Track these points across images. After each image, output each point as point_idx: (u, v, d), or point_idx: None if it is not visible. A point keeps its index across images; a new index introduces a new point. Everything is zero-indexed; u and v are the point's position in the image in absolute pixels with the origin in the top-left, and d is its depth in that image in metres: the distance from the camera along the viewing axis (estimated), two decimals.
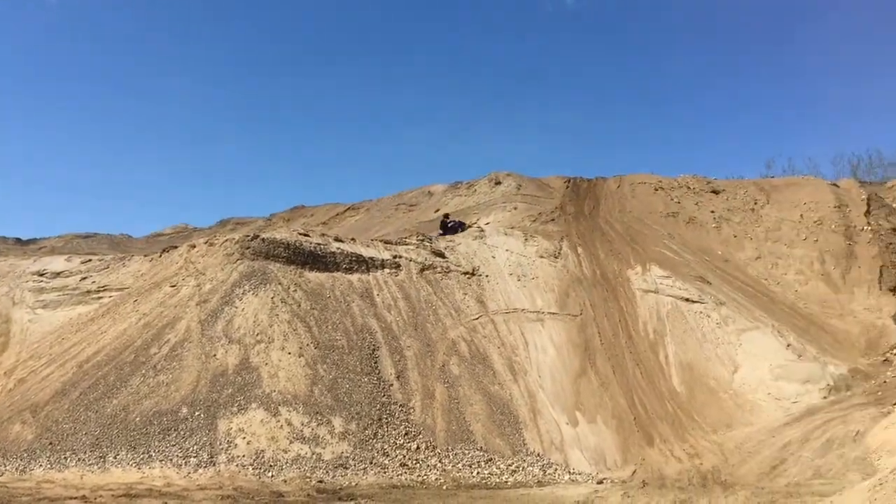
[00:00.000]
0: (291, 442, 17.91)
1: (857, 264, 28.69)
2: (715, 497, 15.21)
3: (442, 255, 27.39)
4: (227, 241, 25.38)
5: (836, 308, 26.81)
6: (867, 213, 31.04)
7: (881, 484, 9.88)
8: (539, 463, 19.65)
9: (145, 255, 31.25)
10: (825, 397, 22.08)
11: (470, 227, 32.71)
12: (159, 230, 54.50)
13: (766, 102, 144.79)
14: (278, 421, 18.34)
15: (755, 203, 32.92)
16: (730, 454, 19.50)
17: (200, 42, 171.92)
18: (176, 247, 30.26)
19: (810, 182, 34.28)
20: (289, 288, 23.05)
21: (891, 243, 29.81)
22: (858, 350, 24.58)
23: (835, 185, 33.82)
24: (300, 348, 20.92)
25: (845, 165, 64.63)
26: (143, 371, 20.07)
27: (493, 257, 28.40)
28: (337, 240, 26.58)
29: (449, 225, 33.19)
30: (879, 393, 21.39)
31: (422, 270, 26.25)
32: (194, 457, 17.09)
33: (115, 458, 17.06)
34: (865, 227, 30.22)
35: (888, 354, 24.36)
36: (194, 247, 26.58)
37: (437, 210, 38.47)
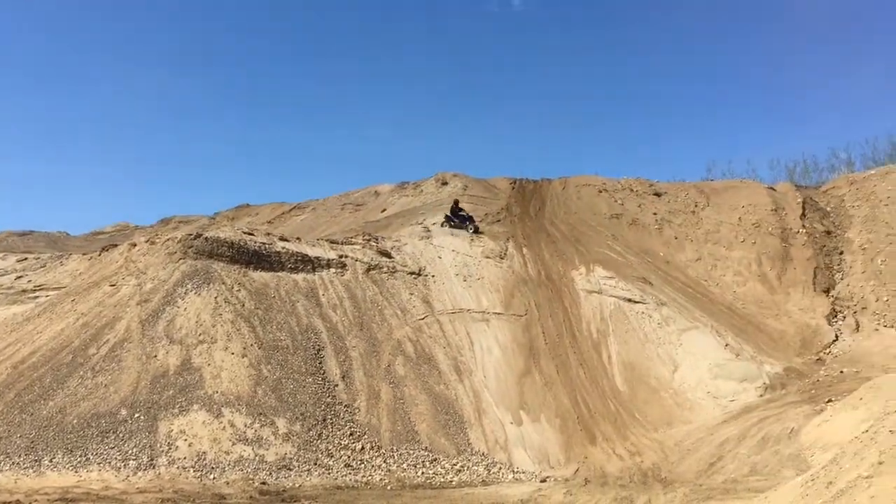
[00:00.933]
0: (234, 443, 17.69)
1: (792, 266, 29.53)
2: (655, 494, 15.49)
3: (388, 255, 27.35)
4: (169, 239, 24.92)
5: (773, 308, 27.55)
6: (802, 216, 31.97)
7: (813, 479, 10.19)
8: (483, 462, 19.76)
9: (84, 254, 30.54)
10: (761, 395, 22.68)
11: (477, 227, 31.99)
12: (99, 228, 53.22)
13: (708, 106, 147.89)
14: (221, 422, 18.09)
15: (696, 206, 33.65)
16: (670, 452, 19.90)
17: (144, 34, 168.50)
18: (116, 245, 29.62)
19: (748, 185, 35.16)
20: (232, 287, 22.75)
21: (824, 246, 30.77)
22: (793, 349, 25.30)
23: (772, 188, 34.73)
24: (244, 349, 20.66)
25: (782, 169, 66.34)
26: (81, 372, 19.59)
27: (440, 257, 28.46)
28: (282, 239, 26.32)
29: (459, 213, 32.46)
30: (813, 391, 22.05)
31: (368, 270, 26.16)
32: (133, 459, 16.75)
33: (50, 461, 16.61)
34: (800, 230, 31.13)
35: (821, 354, 25.13)
36: (135, 245, 26.04)
37: (383, 210, 38.39)
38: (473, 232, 31.17)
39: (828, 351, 25.33)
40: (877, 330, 26.36)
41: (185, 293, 22.24)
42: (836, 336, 26.09)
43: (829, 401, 20.22)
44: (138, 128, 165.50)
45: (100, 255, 28.62)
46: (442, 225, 32.22)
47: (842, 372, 23.32)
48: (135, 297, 22.31)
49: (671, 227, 32.44)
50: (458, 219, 31.98)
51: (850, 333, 26.29)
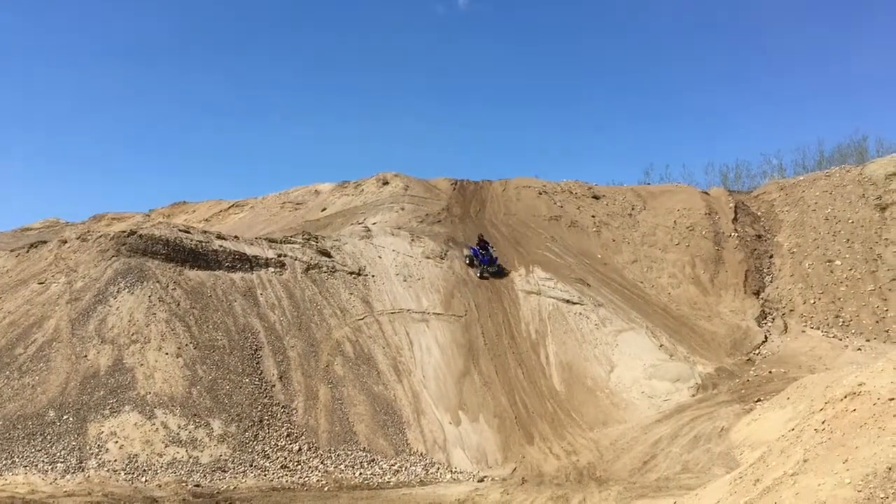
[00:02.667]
0: (167, 445, 17.34)
1: (724, 269, 30.32)
2: (590, 492, 15.72)
3: (328, 255, 27.14)
4: (101, 236, 24.30)
5: (705, 310, 28.23)
6: (734, 220, 32.85)
7: (741, 477, 10.47)
8: (422, 462, 19.78)
9: (11, 251, 29.52)
10: (693, 395, 23.21)
11: (501, 269, 29.27)
12: (27, 224, 51.56)
13: (646, 110, 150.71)
14: (153, 424, 17.71)
15: (633, 209, 34.26)
16: (605, 451, 20.22)
17: (74, 29, 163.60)
18: (45, 242, 28.74)
19: (683, 190, 35.97)
20: (167, 286, 22.29)
21: (755, 249, 31.66)
22: (725, 350, 25.96)
23: (706, 193, 35.61)
24: (178, 348, 20.27)
25: (716, 174, 68.03)
26: (7, 373, 18.96)
27: (380, 257, 28.37)
28: (220, 237, 25.89)
29: (486, 247, 29.48)
30: (743, 391, 22.67)
31: (307, 270, 25.92)
32: (62, 462, 16.29)
33: None
34: (733, 234, 31.97)
35: (751, 354, 25.85)
36: (66, 242, 25.31)
37: (324, 209, 38.08)
38: (493, 274, 28.79)
39: (757, 352, 26.06)
40: (803, 331, 27.24)
41: (117, 291, 21.70)
42: (766, 337, 26.87)
43: (758, 400, 20.82)
44: (67, 122, 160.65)
45: (28, 251, 27.75)
46: (467, 261, 29.52)
47: (770, 372, 24.01)
48: (65, 296, 21.68)
49: (609, 230, 32.97)
50: (483, 256, 28.93)
51: (779, 335, 27.11)
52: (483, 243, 29.46)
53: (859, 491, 8.06)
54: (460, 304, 26.73)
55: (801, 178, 36.62)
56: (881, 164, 33.53)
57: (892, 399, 9.33)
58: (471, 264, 29.14)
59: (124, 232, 24.07)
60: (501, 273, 28.86)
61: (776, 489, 9.07)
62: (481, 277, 28.27)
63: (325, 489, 17.29)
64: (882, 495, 7.82)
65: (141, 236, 23.61)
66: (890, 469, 8.08)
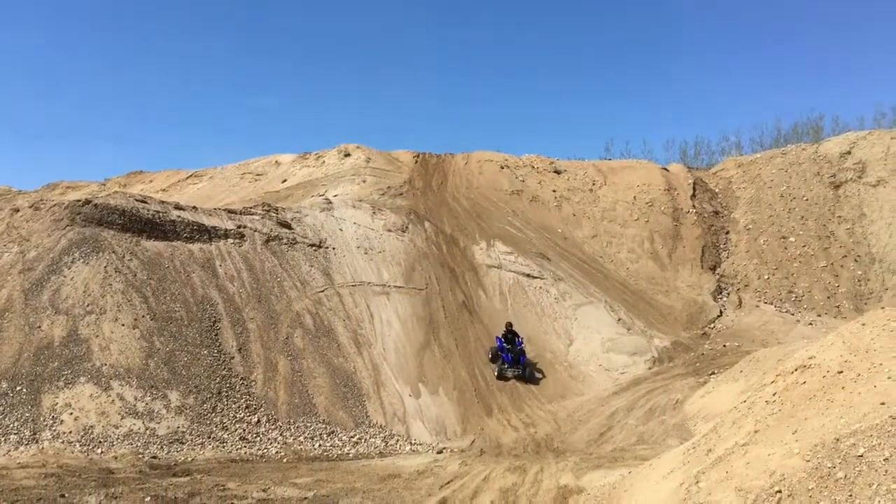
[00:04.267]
0: (123, 417, 17.15)
1: (682, 244, 30.76)
2: (547, 463, 15.92)
3: (288, 227, 26.91)
4: (55, 205, 23.74)
5: (663, 285, 28.65)
6: (693, 196, 33.28)
7: (694, 447, 10.70)
8: (381, 434, 19.85)
9: None
10: (650, 368, 23.63)
11: (529, 366, 23.48)
12: None
13: (608, 87, 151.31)
14: (109, 395, 17.49)
15: (593, 184, 34.50)
16: (562, 423, 20.52)
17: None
18: None
19: (643, 166, 36.30)
20: (123, 257, 21.92)
21: (712, 225, 32.15)
22: (681, 324, 26.42)
23: (665, 169, 36.00)
24: (135, 320, 19.99)
25: (676, 150, 68.83)
26: None
27: (341, 230, 28.22)
28: (177, 207, 25.47)
29: (518, 339, 23.42)
30: (698, 364, 23.13)
31: (267, 241, 25.68)
32: (15, 434, 16.03)
33: None
34: (691, 210, 32.41)
35: (706, 329, 26.35)
36: (18, 211, 24.67)
37: (284, 181, 37.70)
38: (518, 377, 23.02)
39: (712, 326, 26.58)
40: (757, 306, 27.82)
41: (72, 262, 21.28)
42: (721, 312, 27.40)
43: (712, 373, 21.26)
44: (18, 87, 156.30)
45: None
46: (489, 356, 23.81)
47: (724, 346, 24.52)
48: (17, 266, 21.21)
49: (570, 205, 33.18)
50: (507, 352, 23.23)
51: (734, 309, 27.65)
52: (511, 333, 23.69)
53: (808, 461, 8.29)
54: (421, 278, 26.74)
55: (759, 155, 37.20)
56: (836, 142, 34.18)
57: (840, 372, 9.58)
58: (493, 359, 23.50)
59: (79, 201, 23.55)
60: (531, 378, 23.11)
61: (727, 459, 9.29)
62: (499, 378, 22.79)
63: (285, 460, 17.28)
64: (829, 465, 8.05)
65: (96, 206, 23.13)
66: (837, 440, 8.31)
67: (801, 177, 32.85)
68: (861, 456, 7.92)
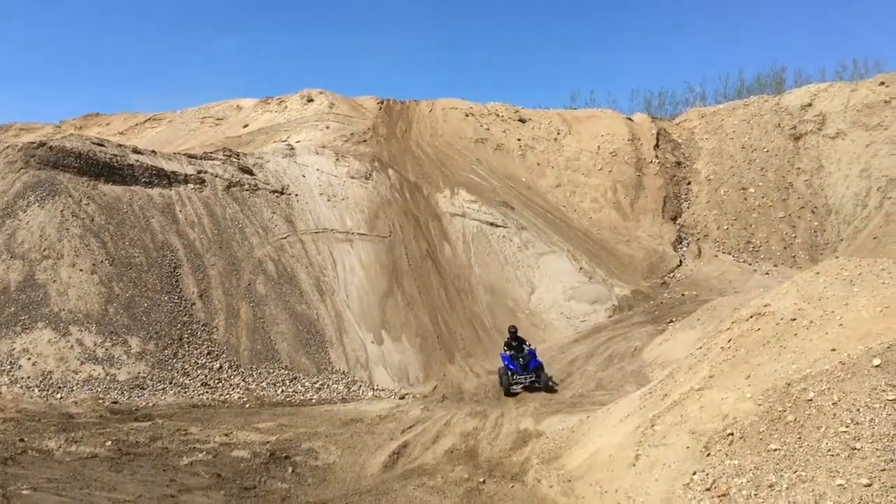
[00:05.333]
0: (83, 363, 17.00)
1: (644, 194, 31.01)
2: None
3: (250, 173, 26.54)
4: (8, 147, 23.10)
5: (625, 234, 28.94)
6: (656, 146, 33.44)
7: (651, 392, 10.94)
8: (344, 380, 19.97)
9: None
10: (610, 316, 23.99)
11: (542, 375, 18.89)
12: None
13: (574, 35, 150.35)
14: (68, 341, 17.30)
15: (558, 133, 34.46)
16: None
17: None
18: None
19: (608, 115, 36.30)
20: (80, 201, 21.47)
21: (674, 176, 32.41)
22: (641, 273, 26.77)
23: (630, 119, 36.05)
24: (93, 265, 19.69)
25: (640, 101, 68.88)
26: None
27: (304, 176, 27.91)
28: (136, 151, 24.94)
29: (526, 344, 19.72)
30: (657, 312, 23.53)
31: (228, 187, 25.33)
32: None
33: None
34: (653, 160, 32.60)
35: (666, 278, 26.74)
36: None
37: (245, 126, 37.07)
38: (528, 388, 18.76)
39: (672, 275, 26.99)
40: (716, 256, 28.27)
41: (27, 205, 20.81)
42: (680, 261, 27.80)
43: (671, 321, 21.66)
44: None
45: None
46: (499, 383, 19.52)
47: (683, 295, 24.93)
48: None
49: (534, 154, 33.16)
50: (516, 359, 19.36)
51: (693, 259, 28.07)
52: (515, 340, 20.06)
53: (759, 405, 8.53)
54: (385, 225, 26.66)
55: (722, 106, 37.41)
56: (797, 94, 34.47)
57: (794, 319, 9.81)
58: (501, 381, 19.30)
59: (33, 143, 22.93)
60: (547, 386, 18.69)
61: (682, 403, 9.51)
62: (508, 394, 18.56)
63: (247, 406, 17.32)
64: (780, 408, 8.29)
65: (51, 148, 22.55)
66: (789, 384, 8.55)
67: (763, 128, 33.15)
68: (811, 400, 8.16)
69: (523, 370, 19.02)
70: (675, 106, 48.05)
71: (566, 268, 26.13)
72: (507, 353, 19.74)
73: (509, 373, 19.08)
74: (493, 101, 37.68)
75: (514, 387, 18.73)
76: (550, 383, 18.89)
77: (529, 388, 18.71)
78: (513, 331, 20.38)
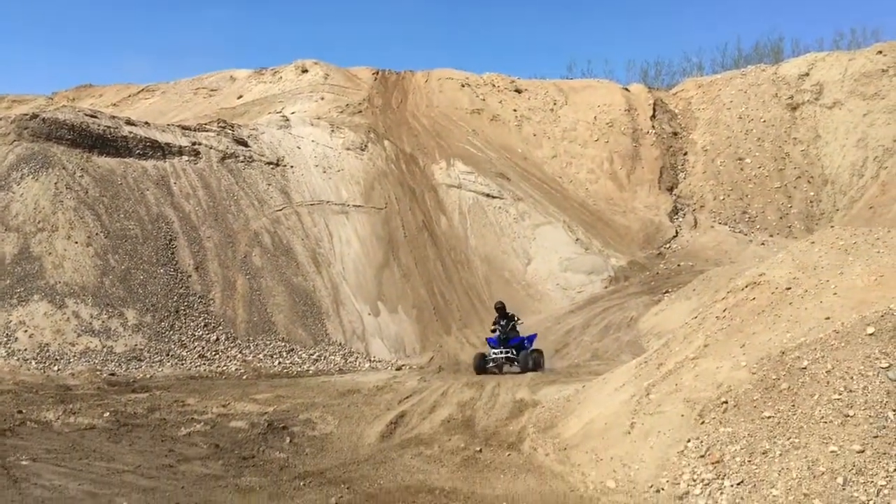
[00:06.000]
0: (79, 335, 17.03)
1: (640, 165, 30.94)
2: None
3: (245, 144, 26.40)
4: (1, 119, 22.95)
5: (621, 205, 28.93)
6: (653, 117, 33.32)
7: (646, 362, 10.99)
8: (341, 352, 20.05)
9: None
10: (606, 287, 24.06)
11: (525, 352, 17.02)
12: None
13: (570, 5, 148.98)
14: (64, 313, 17.31)
15: (555, 104, 34.28)
16: None
17: None
18: None
19: (605, 86, 36.10)
20: (74, 173, 21.36)
21: (671, 146, 32.32)
22: (637, 244, 26.81)
23: (626, 89, 35.84)
24: (88, 237, 19.65)
25: (637, 71, 68.48)
26: None
27: (299, 148, 27.78)
28: (129, 123, 24.77)
29: (515, 319, 17.76)
30: (652, 283, 23.59)
31: (223, 159, 25.20)
32: None
33: None
34: (650, 131, 32.48)
35: (662, 248, 26.79)
36: None
37: (240, 97, 36.83)
38: (505, 360, 17.16)
39: (668, 246, 27.03)
40: (712, 227, 28.30)
41: (20, 178, 20.70)
42: (676, 232, 27.84)
43: (666, 292, 21.73)
44: None
45: None
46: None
47: (679, 265, 25.00)
48: None
49: (530, 124, 33.01)
50: (502, 329, 17.63)
51: (689, 230, 28.09)
52: (503, 317, 17.84)
53: (754, 373, 8.57)
54: (380, 197, 26.60)
55: (719, 76, 37.20)
56: (795, 63, 34.29)
57: (788, 288, 9.84)
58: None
59: (26, 115, 22.76)
60: (528, 364, 16.65)
61: (677, 372, 9.56)
62: (479, 371, 16.78)
63: (244, 378, 17.39)
64: (774, 377, 8.33)
65: (44, 120, 22.38)
66: (783, 353, 8.59)
67: (760, 98, 33.00)
68: (805, 368, 8.21)
69: (500, 344, 17.18)
70: (671, 76, 47.72)
71: (562, 239, 26.14)
72: (492, 334, 17.80)
73: (489, 347, 17.48)
74: (489, 71, 37.47)
75: (487, 362, 16.81)
76: (531, 363, 16.54)
77: (501, 368, 16.88)
78: (499, 307, 18.01)
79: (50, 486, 8.33)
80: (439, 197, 27.61)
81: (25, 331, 16.64)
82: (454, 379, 16.85)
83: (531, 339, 18.04)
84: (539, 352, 17.67)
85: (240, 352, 18.89)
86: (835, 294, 9.35)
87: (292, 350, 19.57)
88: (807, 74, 32.90)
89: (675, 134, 33.14)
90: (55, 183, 20.69)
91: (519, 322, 18.16)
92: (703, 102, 34.55)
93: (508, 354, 17.01)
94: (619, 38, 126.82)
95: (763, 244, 26.92)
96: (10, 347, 16.16)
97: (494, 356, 17.06)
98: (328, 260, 23.22)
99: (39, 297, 17.53)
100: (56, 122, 22.41)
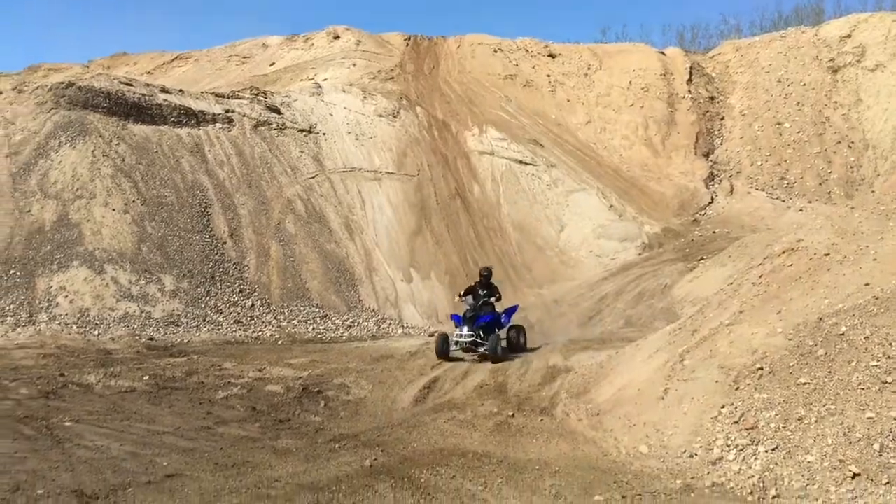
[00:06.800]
0: (119, 300, 17.35)
1: (676, 130, 30.44)
2: (537, 346, 16.27)
3: (277, 111, 26.46)
4: (38, 87, 23.22)
5: (656, 171, 28.55)
6: (689, 81, 32.69)
7: (680, 328, 10.92)
8: (374, 318, 20.21)
9: None
10: (640, 254, 23.86)
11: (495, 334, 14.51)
12: None
13: None
14: (103, 279, 17.63)
15: (589, 68, 33.78)
16: (552, 307, 20.85)
17: None
18: None
19: (640, 49, 35.46)
20: (111, 141, 21.62)
21: (707, 111, 31.75)
22: (672, 211, 26.48)
23: (662, 53, 35.18)
24: (125, 204, 19.92)
25: (673, 34, 67.28)
26: None
27: (331, 115, 27.78)
28: (164, 91, 24.95)
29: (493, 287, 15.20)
30: (687, 250, 23.33)
31: (256, 126, 25.31)
32: (11, 316, 16.24)
33: None
34: (686, 95, 31.90)
35: (697, 215, 26.45)
36: (1, 93, 24.17)
37: (272, 64, 36.83)
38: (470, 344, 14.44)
39: (703, 212, 26.68)
40: (749, 193, 27.83)
41: (58, 146, 21.00)
42: (712, 198, 27.44)
43: (701, 259, 21.48)
44: None
45: None
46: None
47: (714, 232, 24.67)
48: (3, 149, 20.93)
49: (564, 90, 32.60)
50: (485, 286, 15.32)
51: (725, 196, 27.67)
52: (485, 287, 15.36)
53: (790, 339, 8.49)
54: (413, 164, 26.56)
55: (757, 38, 36.33)
56: (836, 25, 33.36)
57: (827, 254, 9.68)
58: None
59: (63, 83, 23.02)
60: (494, 354, 14.02)
61: (712, 338, 9.50)
62: (439, 356, 14.33)
63: (279, 343, 17.62)
64: (811, 343, 8.24)
65: (80, 88, 22.62)
66: (820, 319, 8.49)
67: (800, 61, 32.21)
68: (842, 334, 8.11)
69: (466, 324, 14.53)
70: (708, 39, 46.85)
71: (596, 205, 25.93)
72: (465, 303, 15.08)
73: (455, 326, 14.93)
74: (522, 36, 36.98)
75: (451, 345, 14.34)
76: (500, 350, 14.15)
77: (469, 350, 14.41)
78: (485, 274, 15.46)
79: (93, 447, 8.54)
80: (472, 164, 27.49)
81: (66, 296, 16.98)
82: None
83: (510, 312, 15.68)
84: (519, 328, 15.50)
85: (274, 318, 19.12)
86: (874, 260, 9.19)
87: (326, 316, 19.77)
88: (848, 36, 31.99)
89: (712, 98, 32.52)
90: (92, 151, 20.96)
91: (497, 298, 15.31)
92: (741, 66, 33.81)
93: (474, 338, 14.28)
94: (654, 1, 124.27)
95: (801, 210, 26.43)
96: (51, 312, 16.52)
97: (458, 338, 14.39)
98: (361, 227, 23.31)
99: (79, 263, 17.85)
100: (92, 91, 22.64)
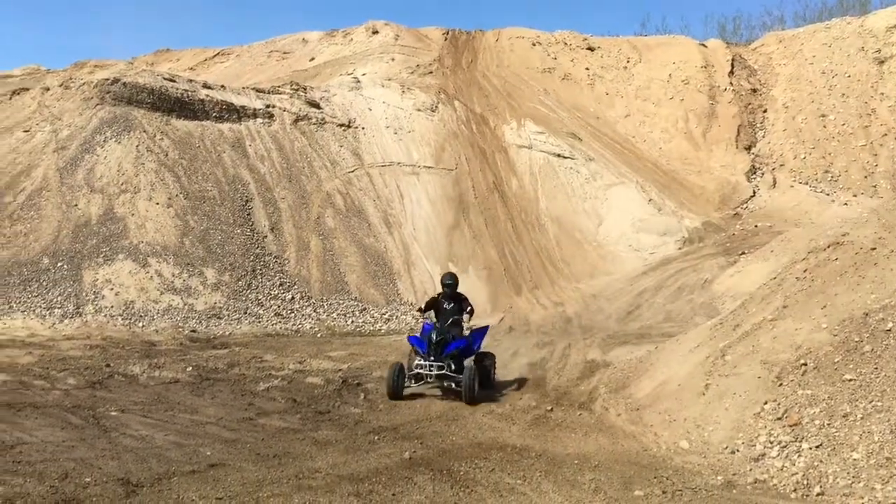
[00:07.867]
0: (162, 293, 17.67)
1: (717, 123, 30.00)
2: (575, 339, 16.23)
3: (317, 106, 26.66)
4: (84, 84, 23.68)
5: (696, 165, 28.18)
6: (731, 73, 32.20)
7: (722, 323, 10.81)
8: (412, 311, 20.26)
9: None
10: (680, 248, 23.58)
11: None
12: (7, 71, 50.09)
13: None
14: (147, 272, 17.96)
15: (628, 61, 33.45)
16: (591, 301, 20.74)
17: None
18: (27, 89, 28.06)
19: (680, 42, 35.02)
20: (154, 136, 21.99)
21: (749, 104, 31.25)
22: (712, 205, 26.13)
23: (703, 45, 34.67)
24: (169, 199, 20.26)
25: (714, 26, 66.31)
26: None
27: (370, 109, 27.91)
28: (206, 86, 25.30)
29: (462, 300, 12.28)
30: (728, 244, 23.02)
31: (296, 121, 25.54)
32: (59, 308, 16.62)
33: None
34: (728, 88, 31.42)
35: (738, 209, 26.06)
36: (48, 89, 24.70)
37: (312, 59, 37.08)
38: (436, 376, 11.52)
39: (745, 206, 26.27)
40: (792, 186, 27.34)
41: (104, 141, 21.42)
42: (754, 192, 27.00)
43: (743, 253, 21.19)
44: None
45: (10, 98, 27.09)
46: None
47: (756, 226, 24.30)
48: (51, 144, 21.42)
49: (602, 83, 32.34)
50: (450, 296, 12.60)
51: (767, 190, 27.22)
52: (451, 298, 12.59)
53: (835, 335, 8.36)
54: (451, 158, 26.58)
55: (801, 30, 35.62)
56: (883, 15, 32.58)
57: (873, 249, 9.50)
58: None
59: (108, 79, 23.45)
60: (469, 391, 11.04)
61: (754, 334, 9.38)
62: (393, 396, 11.30)
63: (319, 336, 17.80)
64: (857, 339, 8.11)
65: (125, 84, 23.03)
66: (866, 315, 8.34)
67: (845, 52, 31.52)
68: (889, 330, 7.96)
69: (431, 352, 11.56)
70: (751, 30, 46.03)
71: (635, 199, 25.69)
72: (428, 320, 12.37)
73: (414, 352, 12.08)
74: (560, 29, 36.72)
75: (410, 380, 11.51)
76: (476, 386, 11.13)
77: (439, 384, 11.59)
78: (448, 283, 12.68)
79: (138, 436, 8.72)
80: (510, 157, 27.41)
81: (111, 289, 17.33)
82: (524, 339, 16.93)
83: (481, 334, 12.85)
84: (491, 357, 12.70)
85: (314, 311, 19.31)
86: None
87: (364, 309, 19.91)
88: (895, 27, 31.24)
89: (755, 91, 31.99)
90: (136, 146, 21.34)
91: (469, 312, 12.30)
92: (784, 57, 33.20)
93: (442, 370, 11.37)
94: None
95: (846, 204, 25.90)
96: (97, 304, 16.87)
97: (420, 370, 11.48)
98: (399, 221, 23.41)
99: (124, 256, 18.20)
100: (136, 87, 23.04)
